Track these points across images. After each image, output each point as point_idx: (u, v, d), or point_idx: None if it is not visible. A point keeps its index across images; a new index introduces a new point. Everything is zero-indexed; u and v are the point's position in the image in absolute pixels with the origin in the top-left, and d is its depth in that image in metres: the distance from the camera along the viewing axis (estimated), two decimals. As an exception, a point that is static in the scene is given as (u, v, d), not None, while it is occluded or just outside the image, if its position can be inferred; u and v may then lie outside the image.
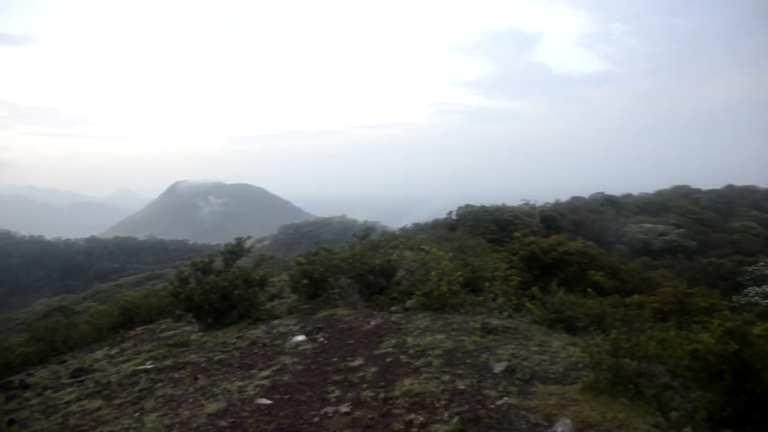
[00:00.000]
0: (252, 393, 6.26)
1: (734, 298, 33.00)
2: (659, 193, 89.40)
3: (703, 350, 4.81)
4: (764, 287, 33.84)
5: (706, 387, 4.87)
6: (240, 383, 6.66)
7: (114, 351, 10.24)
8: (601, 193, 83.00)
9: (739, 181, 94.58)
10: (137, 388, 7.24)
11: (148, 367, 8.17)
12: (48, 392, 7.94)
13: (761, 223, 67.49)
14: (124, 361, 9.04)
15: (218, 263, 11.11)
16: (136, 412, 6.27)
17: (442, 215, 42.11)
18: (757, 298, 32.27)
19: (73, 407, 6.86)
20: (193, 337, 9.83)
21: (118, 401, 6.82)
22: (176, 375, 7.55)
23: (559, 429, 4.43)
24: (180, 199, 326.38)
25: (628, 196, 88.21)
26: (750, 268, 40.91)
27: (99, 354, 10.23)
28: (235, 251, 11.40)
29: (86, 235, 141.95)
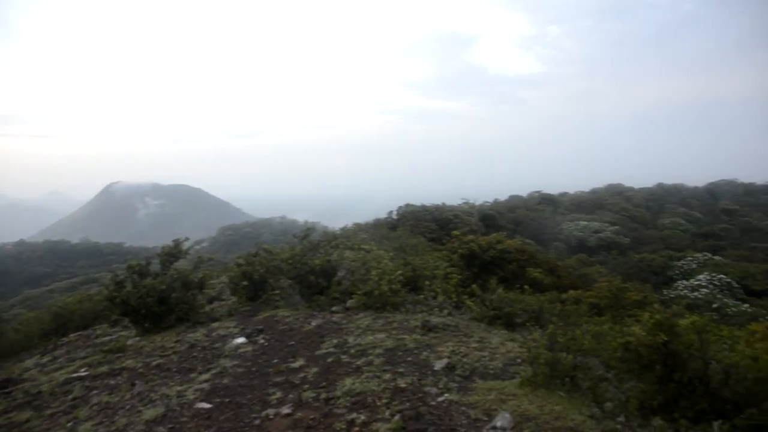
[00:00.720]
0: (191, 397, 6.13)
1: (665, 291, 34.38)
2: (594, 192, 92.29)
3: (635, 342, 5.00)
4: (692, 281, 35.38)
5: (638, 377, 5.06)
6: (179, 388, 6.51)
7: (45, 359, 9.85)
8: (538, 191, 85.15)
9: (669, 179, 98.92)
10: (70, 396, 6.97)
11: (83, 374, 7.88)
12: (-28, 406, 7.58)
13: (689, 219, 70.75)
14: (56, 369, 8.69)
15: (155, 266, 10.84)
16: (69, 422, 6.04)
17: (382, 215, 42.20)
18: (685, 291, 33.73)
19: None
20: (129, 342, 9.55)
21: (49, 411, 6.55)
22: (112, 381, 7.32)
23: (499, 423, 4.51)
24: (115, 201, 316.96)
25: (564, 194, 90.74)
26: (679, 263, 42.92)
27: (29, 363, 9.81)
28: (172, 253, 11.14)
29: (14, 238, 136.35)
